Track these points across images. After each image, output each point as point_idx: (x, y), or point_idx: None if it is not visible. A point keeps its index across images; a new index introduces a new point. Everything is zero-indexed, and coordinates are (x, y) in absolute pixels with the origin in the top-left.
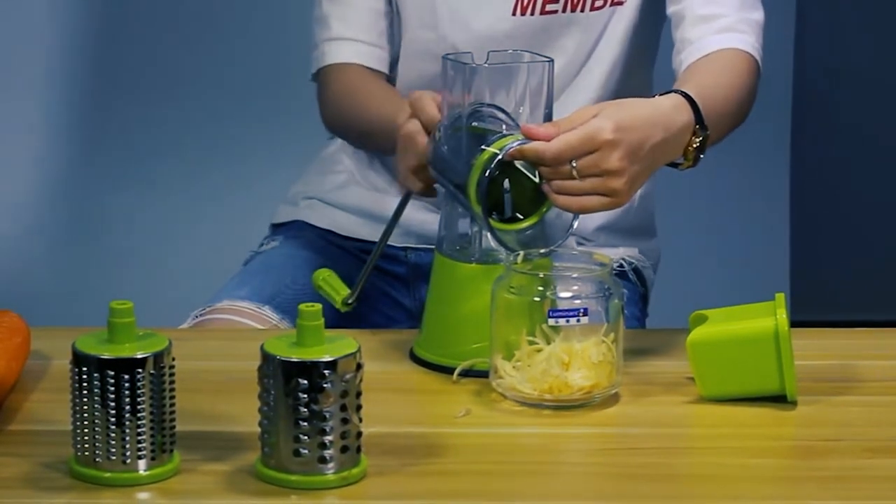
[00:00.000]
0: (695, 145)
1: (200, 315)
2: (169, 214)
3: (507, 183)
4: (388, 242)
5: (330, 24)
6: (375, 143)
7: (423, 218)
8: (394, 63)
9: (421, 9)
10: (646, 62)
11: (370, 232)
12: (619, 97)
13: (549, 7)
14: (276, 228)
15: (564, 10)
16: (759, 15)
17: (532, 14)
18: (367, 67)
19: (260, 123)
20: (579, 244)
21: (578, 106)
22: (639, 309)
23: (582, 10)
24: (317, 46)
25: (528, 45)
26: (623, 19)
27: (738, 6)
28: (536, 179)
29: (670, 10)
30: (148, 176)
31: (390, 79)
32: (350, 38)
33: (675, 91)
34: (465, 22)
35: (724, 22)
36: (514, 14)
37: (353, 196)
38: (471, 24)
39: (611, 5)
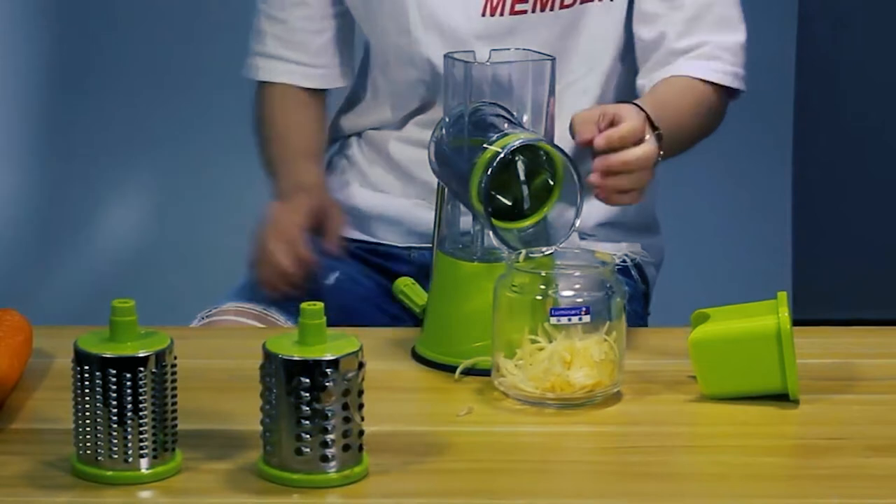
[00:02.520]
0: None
1: (207, 317)
2: (169, 214)
3: (522, 174)
4: (392, 242)
5: (265, 41)
6: (273, 174)
7: (426, 217)
8: (363, 71)
9: (395, 16)
10: (619, 58)
11: (372, 233)
12: (592, 94)
13: (518, 7)
14: None
15: (534, 10)
16: (738, 36)
17: (502, 14)
18: (300, 87)
19: None
20: (582, 238)
21: None
22: (641, 307)
23: (552, 9)
24: (251, 56)
25: (498, 44)
26: (593, 16)
27: (716, 28)
28: (538, 178)
29: (646, 35)
30: (149, 175)
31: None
32: (284, 58)
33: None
34: (436, 24)
35: (701, 50)
36: (483, 14)
37: (354, 197)
38: (441, 26)
39: (580, 3)
